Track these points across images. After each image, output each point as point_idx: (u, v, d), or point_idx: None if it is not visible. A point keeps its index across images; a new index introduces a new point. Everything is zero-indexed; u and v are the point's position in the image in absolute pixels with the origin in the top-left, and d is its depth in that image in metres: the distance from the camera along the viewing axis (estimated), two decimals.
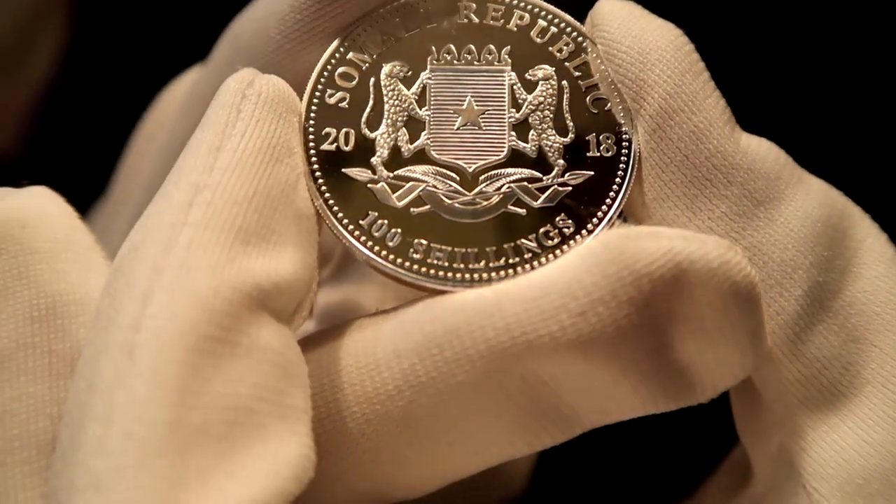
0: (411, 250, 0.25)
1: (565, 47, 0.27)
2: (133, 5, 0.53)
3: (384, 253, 0.25)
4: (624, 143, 0.26)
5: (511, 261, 0.25)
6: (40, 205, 0.25)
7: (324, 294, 0.33)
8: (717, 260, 0.22)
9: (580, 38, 0.27)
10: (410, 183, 0.25)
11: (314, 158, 0.25)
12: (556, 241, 0.25)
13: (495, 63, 0.27)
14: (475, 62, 0.27)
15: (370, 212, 0.25)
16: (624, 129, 0.26)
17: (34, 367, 0.23)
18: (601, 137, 0.26)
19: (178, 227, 0.22)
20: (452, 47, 0.27)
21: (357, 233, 0.25)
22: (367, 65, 0.27)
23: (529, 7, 0.28)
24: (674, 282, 0.22)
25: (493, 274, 0.25)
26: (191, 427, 0.20)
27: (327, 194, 0.25)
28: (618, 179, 0.26)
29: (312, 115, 0.26)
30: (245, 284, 0.22)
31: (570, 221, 0.25)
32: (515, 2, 0.28)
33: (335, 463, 0.24)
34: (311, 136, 0.26)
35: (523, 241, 0.25)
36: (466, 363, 0.23)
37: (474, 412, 0.23)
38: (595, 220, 0.25)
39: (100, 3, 0.53)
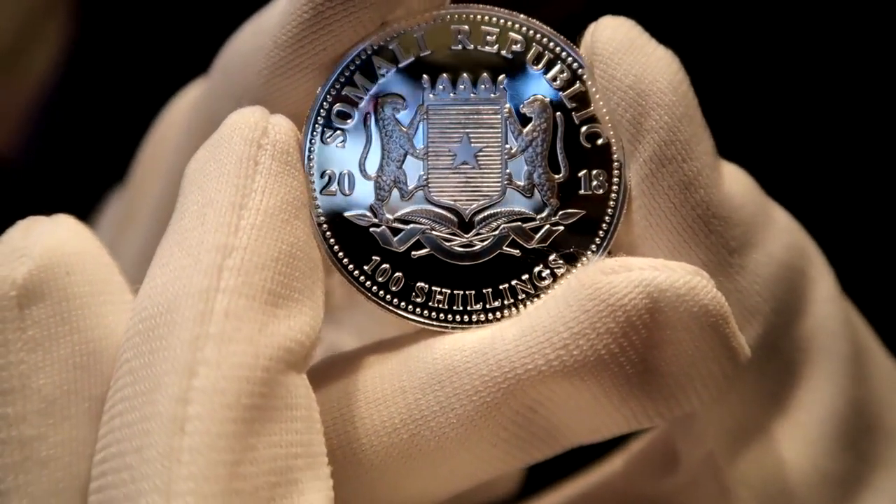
0: (413, 294, 0.26)
1: (561, 76, 0.27)
2: (135, 4, 0.53)
3: (388, 297, 0.26)
4: (615, 180, 0.26)
5: (506, 301, 0.26)
6: (81, 247, 0.26)
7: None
8: (685, 286, 0.24)
9: (576, 65, 0.27)
10: (410, 226, 0.27)
11: (318, 202, 0.26)
12: (548, 281, 0.26)
13: (491, 94, 0.27)
14: (472, 93, 0.27)
15: (373, 257, 0.27)
16: (616, 164, 0.26)
17: (76, 412, 0.25)
18: (593, 174, 0.27)
19: (212, 293, 0.23)
20: (447, 77, 0.27)
21: (362, 278, 0.26)
22: (362, 100, 0.27)
23: (524, 29, 0.27)
24: (646, 311, 0.24)
25: (490, 315, 0.26)
26: (243, 495, 0.22)
27: (332, 240, 0.26)
28: (607, 218, 0.27)
29: (312, 155, 0.27)
30: (279, 350, 0.23)
31: (561, 262, 0.27)
32: (510, 24, 0.27)
33: (344, 490, 0.26)
34: (312, 180, 0.27)
35: (517, 282, 0.26)
36: (465, 397, 0.25)
37: (472, 441, 0.26)
38: (585, 260, 0.26)
39: (102, 3, 0.53)
